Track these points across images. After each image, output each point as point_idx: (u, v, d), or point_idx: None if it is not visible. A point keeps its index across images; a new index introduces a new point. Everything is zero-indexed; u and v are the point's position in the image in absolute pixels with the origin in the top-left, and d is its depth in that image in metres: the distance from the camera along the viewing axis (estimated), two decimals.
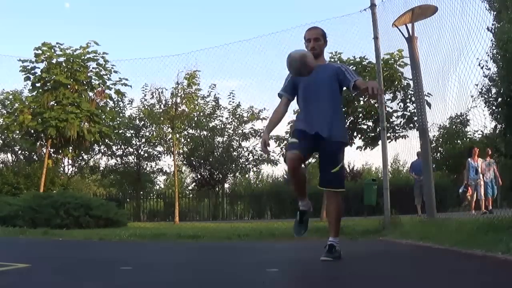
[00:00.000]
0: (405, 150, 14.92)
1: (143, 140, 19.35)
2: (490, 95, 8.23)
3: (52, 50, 11.46)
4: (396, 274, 2.86)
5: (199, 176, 20.25)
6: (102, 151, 19.20)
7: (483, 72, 7.85)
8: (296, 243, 5.48)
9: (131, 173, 20.08)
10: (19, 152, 20.24)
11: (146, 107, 14.76)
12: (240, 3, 49.48)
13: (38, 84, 11.59)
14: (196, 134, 18.65)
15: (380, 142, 7.26)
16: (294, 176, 3.44)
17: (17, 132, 12.51)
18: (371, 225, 6.94)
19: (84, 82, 11.87)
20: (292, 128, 3.79)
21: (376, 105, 10.78)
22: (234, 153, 19.21)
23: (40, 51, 11.40)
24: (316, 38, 3.54)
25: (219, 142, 19.27)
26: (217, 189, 20.61)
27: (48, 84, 11.54)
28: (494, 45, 7.93)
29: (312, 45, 3.51)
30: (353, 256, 4.13)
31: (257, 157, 18.90)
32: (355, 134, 12.54)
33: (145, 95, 14.42)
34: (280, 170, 33.00)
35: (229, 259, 3.91)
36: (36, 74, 11.56)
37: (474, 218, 5.02)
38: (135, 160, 20.19)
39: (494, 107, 8.24)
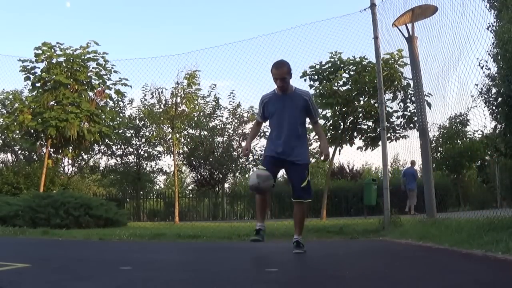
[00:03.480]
0: (405, 150, 14.93)
1: (143, 140, 19.35)
2: (490, 95, 8.20)
3: (52, 50, 11.46)
4: (395, 274, 2.86)
5: (199, 176, 20.23)
6: (102, 151, 19.21)
7: (483, 72, 7.81)
8: None
9: (131, 173, 20.06)
10: (19, 152, 20.24)
11: (146, 107, 14.75)
12: (240, 3, 49.51)
13: (38, 84, 11.59)
14: (196, 134, 18.64)
15: (380, 143, 7.26)
16: (262, 203, 4.14)
17: (17, 132, 12.50)
18: (371, 225, 6.94)
19: (84, 82, 11.87)
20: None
21: (376, 105, 10.79)
22: (234, 153, 19.20)
23: (40, 51, 11.40)
24: (283, 78, 4.05)
25: (219, 142, 19.27)
26: (217, 189, 20.60)
27: (48, 84, 11.54)
28: (494, 45, 7.91)
29: (280, 84, 4.06)
30: (353, 255, 4.13)
31: (257, 157, 18.89)
32: (355, 134, 12.54)
33: (145, 95, 14.43)
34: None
35: (229, 259, 3.91)
36: (36, 74, 11.56)
37: (474, 218, 5.01)
38: (135, 160, 20.19)
39: (494, 107, 8.20)
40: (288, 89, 4.14)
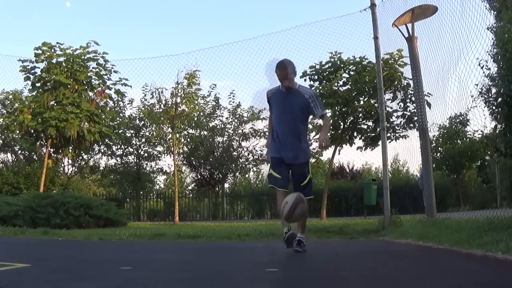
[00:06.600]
0: (405, 150, 14.93)
1: (143, 140, 19.35)
2: (490, 95, 8.21)
3: (52, 50, 11.46)
4: (395, 274, 2.86)
5: (199, 176, 20.23)
6: (102, 151, 19.20)
7: (483, 72, 7.82)
8: None
9: (131, 173, 20.06)
10: (19, 152, 20.23)
11: (146, 107, 14.76)
12: (240, 3, 49.52)
13: (38, 84, 11.59)
14: (196, 134, 18.64)
15: (380, 142, 7.25)
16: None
17: (17, 132, 12.50)
18: (371, 225, 6.94)
19: (84, 82, 11.87)
20: (268, 152, 4.38)
21: (376, 105, 10.79)
22: (234, 153, 19.19)
23: (40, 51, 11.40)
24: (289, 79, 4.08)
25: (219, 142, 19.26)
26: (217, 189, 20.59)
27: (48, 84, 11.55)
28: (494, 45, 7.92)
29: (286, 84, 4.09)
30: (353, 255, 4.13)
31: (257, 157, 18.89)
32: (355, 134, 12.54)
33: (145, 95, 14.44)
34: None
35: (229, 259, 3.91)
36: (36, 74, 11.56)
37: (474, 218, 5.01)
38: (135, 160, 20.19)
39: (494, 107, 8.22)
40: (292, 87, 4.17)
